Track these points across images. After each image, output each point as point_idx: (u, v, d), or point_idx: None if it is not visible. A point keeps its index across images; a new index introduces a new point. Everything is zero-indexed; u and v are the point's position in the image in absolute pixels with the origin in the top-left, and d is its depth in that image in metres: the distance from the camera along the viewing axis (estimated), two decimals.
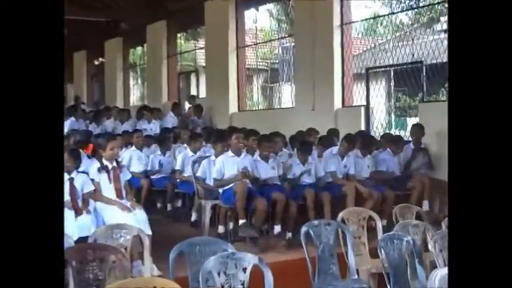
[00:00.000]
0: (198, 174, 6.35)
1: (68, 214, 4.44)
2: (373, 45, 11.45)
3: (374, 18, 11.16)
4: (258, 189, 5.88)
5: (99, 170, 4.83)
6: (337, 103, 9.17)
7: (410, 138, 7.46)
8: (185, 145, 7.77)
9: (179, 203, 7.44)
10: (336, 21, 8.95)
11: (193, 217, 6.76)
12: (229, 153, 5.96)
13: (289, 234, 5.75)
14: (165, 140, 7.85)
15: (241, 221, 5.54)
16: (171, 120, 10.72)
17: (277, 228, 5.81)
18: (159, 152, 7.73)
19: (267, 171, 6.16)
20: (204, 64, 12.97)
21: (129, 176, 5.06)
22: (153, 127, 10.24)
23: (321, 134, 7.45)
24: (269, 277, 3.03)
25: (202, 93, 12.91)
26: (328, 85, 9.13)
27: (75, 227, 4.36)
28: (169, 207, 7.47)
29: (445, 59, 7.79)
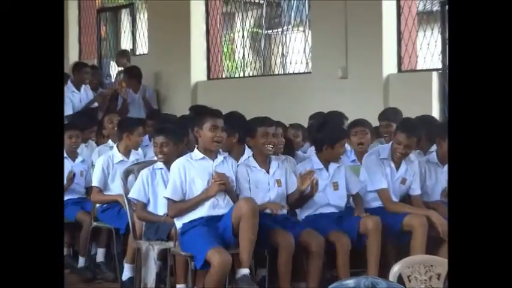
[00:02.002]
0: (133, 195, 6.40)
1: None
2: None
3: None
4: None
5: None
6: (389, 65, 9.20)
7: None
8: (110, 142, 7.81)
9: (100, 248, 7.47)
10: None
11: (127, 273, 6.80)
12: (196, 153, 5.98)
13: None
14: (75, 133, 7.80)
15: (243, 271, 5.67)
16: (72, 99, 10.59)
17: None
18: (64, 155, 7.67)
19: (270, 188, 6.20)
20: None
21: None
22: None
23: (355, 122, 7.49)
24: None
25: (143, 48, 13.04)
26: (372, 32, 9.15)
27: None
28: (81, 255, 7.52)
29: None
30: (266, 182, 6.17)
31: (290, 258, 5.82)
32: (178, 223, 5.92)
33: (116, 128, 7.72)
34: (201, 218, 5.81)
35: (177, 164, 5.94)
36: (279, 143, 6.59)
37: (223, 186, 5.81)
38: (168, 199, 5.92)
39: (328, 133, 6.51)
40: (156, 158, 6.61)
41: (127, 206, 6.49)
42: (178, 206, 5.90)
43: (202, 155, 5.92)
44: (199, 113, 6.69)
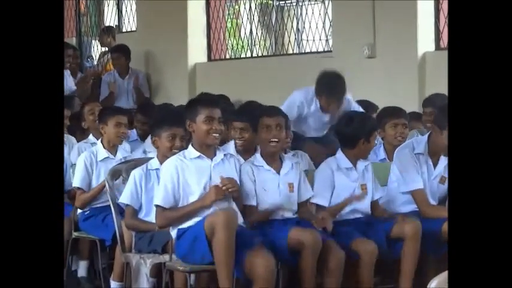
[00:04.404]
0: (124, 199, 6.42)
1: None
2: None
3: None
4: (255, 231, 6.02)
5: None
6: (425, 42, 9.25)
7: None
8: (91, 138, 7.92)
9: (83, 262, 7.60)
10: None
11: None
12: (191, 151, 6.02)
13: None
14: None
15: None
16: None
17: None
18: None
19: (281, 191, 6.22)
20: None
21: None
22: None
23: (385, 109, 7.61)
24: None
25: (130, 24, 13.33)
26: (405, 3, 9.20)
27: None
28: None
29: None
30: (275, 184, 6.20)
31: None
32: (174, 231, 5.93)
33: (97, 119, 7.74)
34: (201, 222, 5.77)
35: (168, 164, 5.96)
36: (285, 137, 6.55)
37: (226, 192, 5.78)
38: (157, 206, 5.93)
39: (363, 125, 6.46)
40: (149, 156, 6.76)
41: (113, 210, 6.47)
42: (168, 215, 5.92)
43: (197, 153, 5.94)
44: (190, 103, 6.67)
